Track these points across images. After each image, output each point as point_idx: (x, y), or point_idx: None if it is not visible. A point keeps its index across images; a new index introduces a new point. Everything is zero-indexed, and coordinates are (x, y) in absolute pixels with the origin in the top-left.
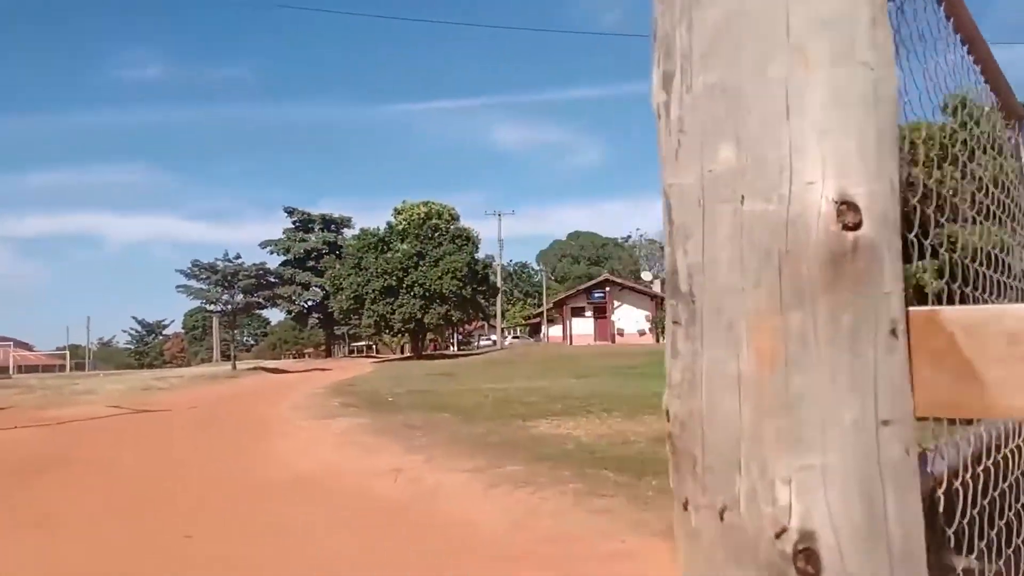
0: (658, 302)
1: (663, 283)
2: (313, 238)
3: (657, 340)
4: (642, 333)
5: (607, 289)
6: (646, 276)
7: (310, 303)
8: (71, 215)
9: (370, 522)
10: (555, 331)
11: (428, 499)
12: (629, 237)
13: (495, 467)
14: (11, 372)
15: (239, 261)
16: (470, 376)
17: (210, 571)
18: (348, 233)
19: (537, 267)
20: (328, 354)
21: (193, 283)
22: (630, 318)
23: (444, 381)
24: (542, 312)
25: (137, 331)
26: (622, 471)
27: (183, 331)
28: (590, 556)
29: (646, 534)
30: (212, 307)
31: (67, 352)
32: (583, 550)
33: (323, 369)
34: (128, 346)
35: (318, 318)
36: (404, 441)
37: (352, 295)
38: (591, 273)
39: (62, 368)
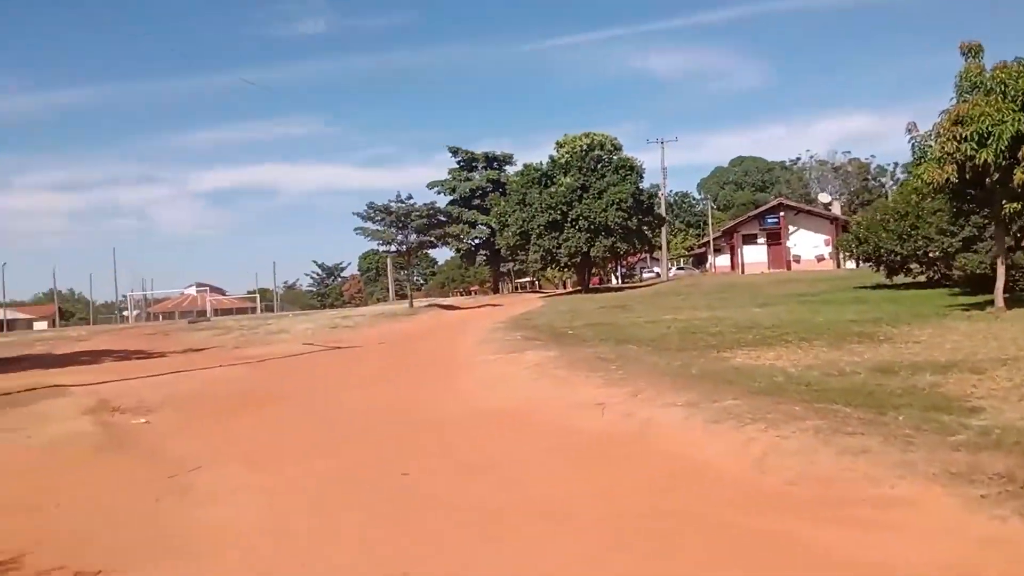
0: (838, 225)
1: (843, 205)
2: (477, 176)
3: (837, 265)
4: (820, 259)
5: (781, 214)
6: (823, 198)
7: (477, 240)
8: (253, 167)
9: (586, 458)
10: (722, 260)
11: (643, 435)
12: (798, 159)
13: (709, 401)
14: (209, 315)
15: (411, 202)
16: (644, 307)
17: (439, 513)
18: (510, 170)
19: (698, 196)
20: (495, 290)
21: (369, 225)
22: (807, 243)
23: (618, 313)
24: (708, 241)
25: (318, 274)
26: (855, 405)
27: (358, 272)
28: (857, 502)
29: (918, 478)
30: (386, 248)
31: (257, 295)
32: (845, 494)
33: (494, 305)
34: (310, 288)
35: (485, 255)
36: (600, 374)
37: (518, 231)
38: (756, 199)
39: (253, 310)
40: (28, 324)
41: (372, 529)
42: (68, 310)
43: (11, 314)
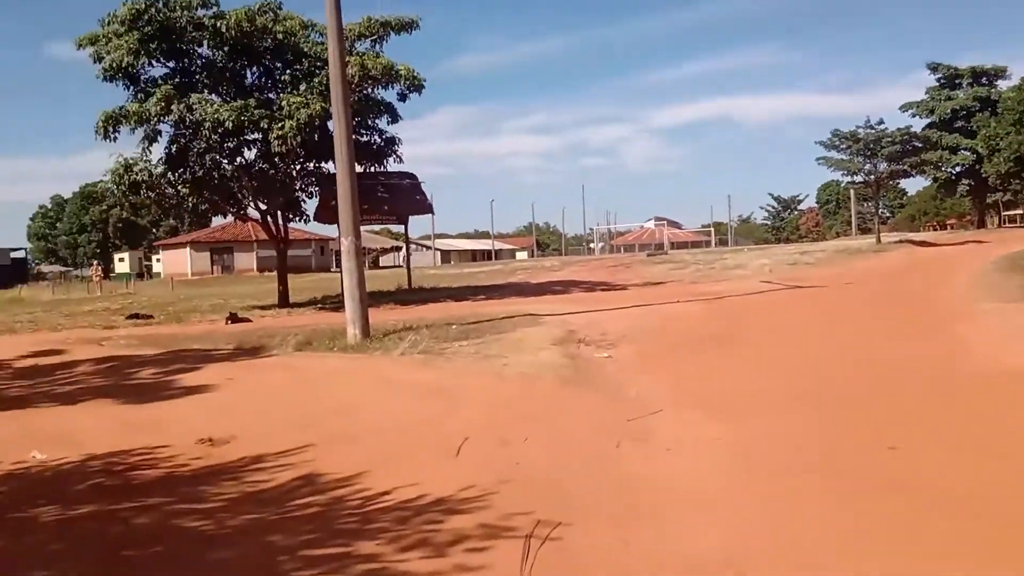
0: None
1: None
2: (961, 95)
3: None
4: None
5: None
6: None
7: (958, 168)
8: (709, 101)
9: None
10: None
11: None
12: None
13: None
14: (666, 249)
15: (881, 127)
16: None
17: (943, 507)
18: (1003, 85)
19: None
20: (980, 225)
21: (833, 154)
22: None
23: None
24: None
25: (773, 207)
26: None
27: (816, 205)
28: None
29: None
30: (851, 178)
31: (711, 229)
32: None
33: (978, 241)
34: (765, 222)
35: (968, 184)
36: None
37: (1012, 156)
38: None
39: (707, 244)
40: (511, 254)
41: (856, 514)
42: (544, 241)
43: (498, 244)
